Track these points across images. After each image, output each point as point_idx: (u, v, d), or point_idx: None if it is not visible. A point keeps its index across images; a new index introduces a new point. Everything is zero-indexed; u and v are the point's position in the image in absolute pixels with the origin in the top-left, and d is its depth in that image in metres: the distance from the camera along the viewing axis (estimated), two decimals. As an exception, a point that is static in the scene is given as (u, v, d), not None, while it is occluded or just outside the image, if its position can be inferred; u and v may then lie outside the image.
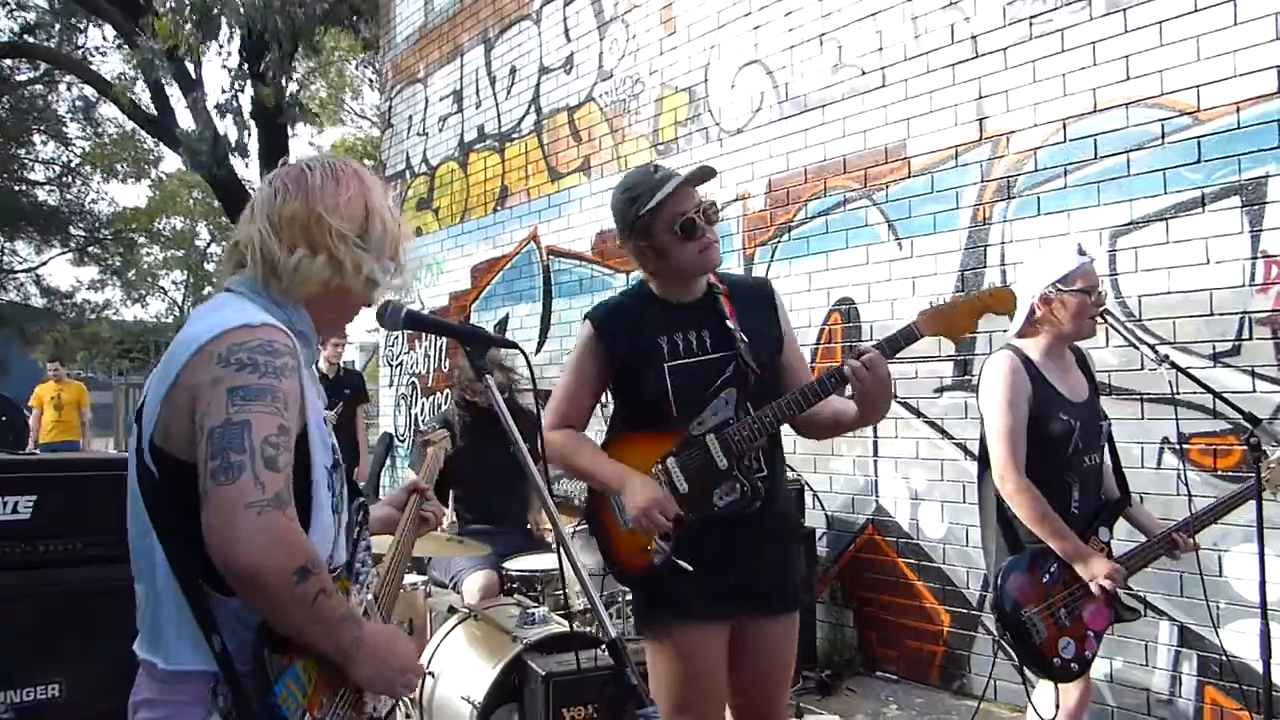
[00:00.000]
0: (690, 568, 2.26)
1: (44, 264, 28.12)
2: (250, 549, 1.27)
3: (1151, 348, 2.99)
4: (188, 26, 11.98)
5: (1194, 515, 2.89)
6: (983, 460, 2.95)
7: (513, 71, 8.06)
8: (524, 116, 7.93)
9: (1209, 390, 2.95)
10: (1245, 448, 2.78)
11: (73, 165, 25.06)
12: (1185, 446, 3.90)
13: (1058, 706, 2.82)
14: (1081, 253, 2.88)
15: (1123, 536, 2.97)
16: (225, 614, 1.38)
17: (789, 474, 3.23)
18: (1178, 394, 3.79)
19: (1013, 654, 2.80)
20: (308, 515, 1.44)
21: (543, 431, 2.33)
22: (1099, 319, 2.87)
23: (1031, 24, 4.43)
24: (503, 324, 8.02)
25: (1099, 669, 4.03)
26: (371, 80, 20.30)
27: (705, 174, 2.39)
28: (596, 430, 2.58)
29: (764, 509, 2.37)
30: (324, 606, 1.35)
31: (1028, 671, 2.85)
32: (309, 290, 1.54)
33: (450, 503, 4.19)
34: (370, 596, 1.72)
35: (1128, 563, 2.84)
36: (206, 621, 1.37)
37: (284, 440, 1.35)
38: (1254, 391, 3.69)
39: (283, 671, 1.37)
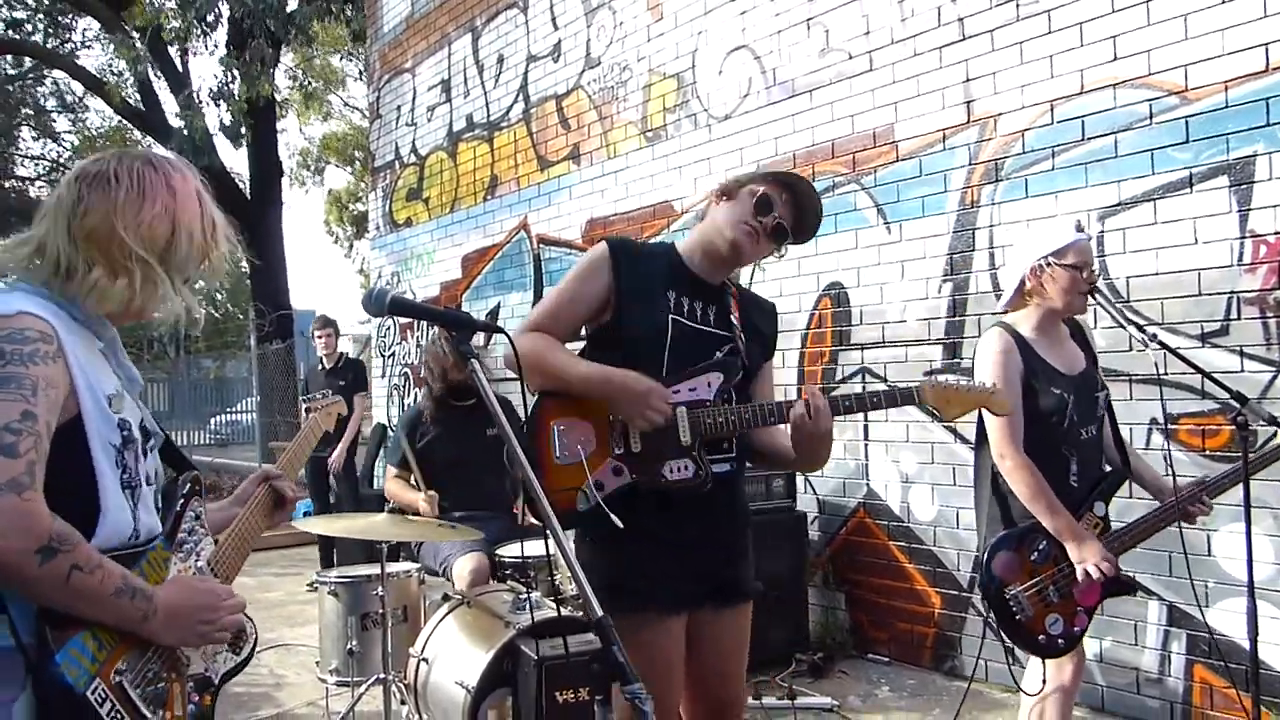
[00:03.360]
0: (621, 524, 2.15)
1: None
2: None
3: (1139, 328, 2.99)
4: (174, 22, 11.93)
5: (1213, 479, 2.88)
6: (979, 436, 2.95)
7: (500, 60, 8.04)
8: (512, 105, 7.90)
9: (1197, 370, 2.96)
10: (1233, 427, 2.78)
11: (61, 160, 24.95)
12: (1173, 427, 3.91)
13: (1044, 681, 2.83)
14: (1079, 229, 2.88)
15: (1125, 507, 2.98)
16: (10, 592, 1.41)
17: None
18: (1165, 374, 3.81)
19: (999, 632, 2.80)
20: (94, 494, 1.48)
21: (516, 333, 2.22)
22: (1089, 296, 2.88)
23: (1018, 5, 4.43)
24: (494, 313, 8.01)
25: (1089, 649, 4.06)
26: (359, 72, 20.23)
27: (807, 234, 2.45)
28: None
29: (729, 497, 2.37)
30: (83, 582, 1.39)
31: (1017, 650, 2.86)
32: (107, 309, 1.57)
33: (421, 484, 4.17)
34: (202, 564, 1.75)
35: (1125, 538, 2.84)
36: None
37: (28, 425, 1.37)
38: (1242, 371, 3.70)
39: (66, 640, 1.41)
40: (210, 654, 1.72)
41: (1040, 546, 2.78)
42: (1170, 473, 2.91)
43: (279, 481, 2.02)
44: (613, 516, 2.18)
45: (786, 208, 2.36)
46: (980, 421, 2.92)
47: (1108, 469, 2.98)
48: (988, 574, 2.77)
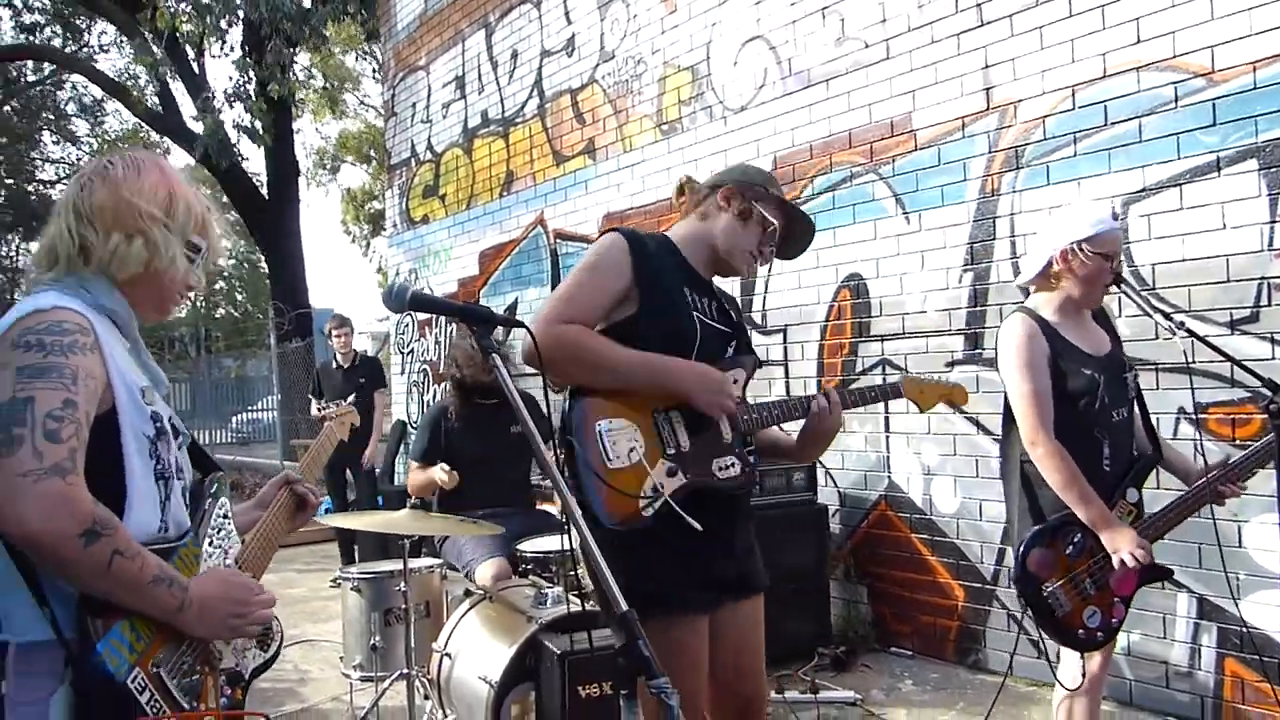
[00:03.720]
0: (699, 526, 2.08)
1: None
2: (27, 516, 1.34)
3: (1167, 315, 2.94)
4: (188, 25, 11.98)
5: (1235, 461, 2.82)
6: (1007, 425, 2.90)
7: (514, 55, 8.02)
8: (527, 100, 7.89)
9: (1227, 357, 2.90)
10: (1264, 415, 2.72)
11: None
12: (1202, 416, 3.85)
13: (1084, 675, 2.79)
14: (1115, 217, 2.82)
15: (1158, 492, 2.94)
16: (52, 585, 1.45)
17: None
18: (1194, 362, 3.74)
19: (1034, 628, 2.77)
20: (123, 483, 1.53)
21: (540, 325, 2.11)
22: (1114, 287, 2.83)
23: (1038, -10, 4.37)
24: (512, 308, 8.00)
25: (1118, 642, 4.01)
26: (373, 71, 20.28)
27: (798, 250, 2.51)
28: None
29: (747, 497, 2.38)
30: (123, 568, 1.42)
31: (1046, 642, 2.82)
32: (129, 273, 1.64)
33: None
34: (229, 562, 1.77)
35: (1159, 524, 2.79)
36: (39, 594, 1.45)
37: (69, 413, 1.42)
38: (1273, 359, 3.64)
39: (106, 630, 1.45)
40: (240, 649, 1.74)
41: (1074, 540, 2.72)
42: (1203, 462, 2.86)
43: (300, 485, 2.05)
44: (688, 519, 2.09)
45: (785, 242, 2.43)
46: (1006, 409, 2.88)
47: (1136, 453, 2.93)
48: (1023, 572, 2.71)
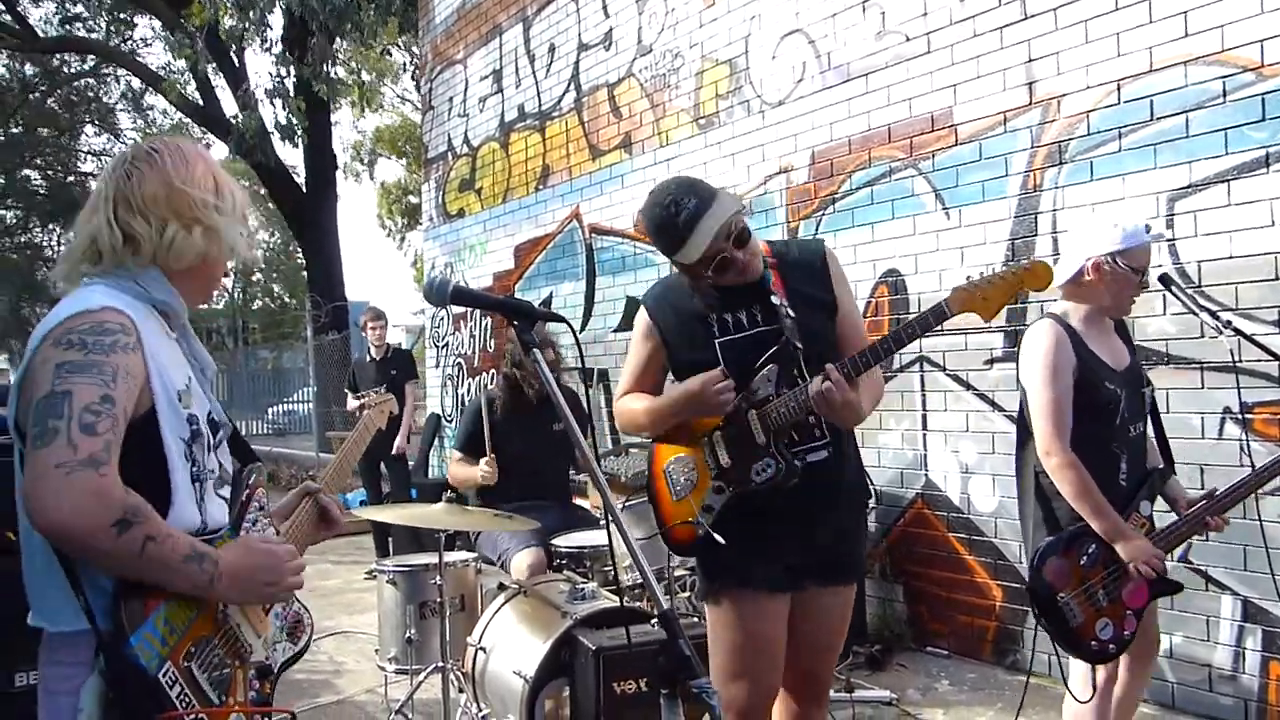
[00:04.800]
0: (723, 540, 2.32)
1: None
2: (60, 507, 1.36)
3: (1213, 314, 2.89)
4: (230, 21, 12.09)
5: (1223, 491, 2.79)
6: (1021, 432, 2.87)
7: (551, 49, 8.03)
8: (564, 94, 7.89)
9: (1275, 357, 2.85)
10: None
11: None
12: (1248, 416, 3.78)
13: (1095, 688, 2.77)
14: (1147, 230, 2.78)
15: (1163, 508, 2.90)
16: (88, 575, 1.47)
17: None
18: (1240, 362, 3.68)
19: (1053, 640, 2.74)
20: (166, 485, 1.55)
21: (614, 402, 2.58)
22: (1163, 288, 2.78)
23: (1083, -17, 4.30)
24: (547, 303, 8.01)
25: (1160, 644, 3.95)
26: (408, 64, 20.38)
27: (735, 220, 2.33)
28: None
29: (827, 482, 2.39)
30: (156, 552, 1.43)
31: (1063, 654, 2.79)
32: (186, 263, 1.65)
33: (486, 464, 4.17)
34: None
35: (1167, 539, 2.77)
36: (75, 583, 1.46)
37: (106, 408, 1.44)
38: (1321, 358, 3.56)
39: (139, 623, 1.46)
40: (269, 642, 1.76)
41: (1089, 551, 2.70)
42: (1250, 465, 2.81)
43: (323, 496, 2.03)
44: (716, 537, 2.35)
45: (715, 240, 2.28)
46: (1022, 417, 2.85)
47: (1149, 468, 2.90)
48: (1039, 581, 2.70)
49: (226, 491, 1.73)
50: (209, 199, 1.66)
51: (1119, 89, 4.18)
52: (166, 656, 1.48)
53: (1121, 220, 2.80)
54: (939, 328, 2.30)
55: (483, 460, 4.06)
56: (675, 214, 2.27)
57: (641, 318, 2.57)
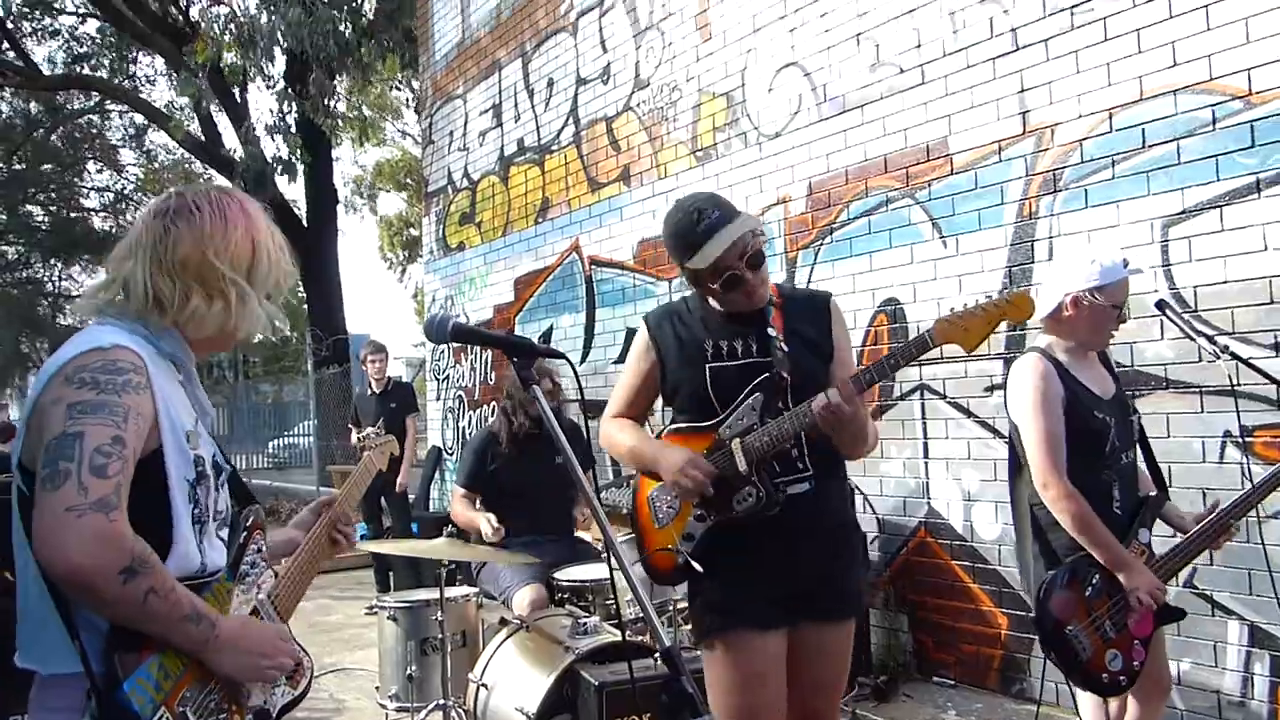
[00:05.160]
0: (700, 568, 2.37)
1: (100, 290, 28.72)
2: (69, 551, 1.35)
3: (1210, 339, 2.91)
4: (229, 55, 12.22)
5: (1231, 504, 2.79)
6: (1013, 467, 2.88)
7: (550, 84, 8.11)
8: (563, 128, 7.96)
9: (1272, 380, 2.87)
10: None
11: (125, 192, 25.66)
12: (1248, 439, 3.79)
13: (1108, 718, 2.76)
14: (1125, 264, 2.81)
15: (1168, 533, 2.90)
16: (84, 617, 1.45)
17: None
18: (1238, 385, 3.69)
19: (1066, 676, 2.73)
20: (168, 526, 1.54)
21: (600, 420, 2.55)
22: (1160, 313, 2.80)
23: (1073, 14, 4.35)
24: (547, 335, 8.04)
25: (1170, 680, 3.93)
26: (409, 100, 20.57)
27: (753, 241, 2.38)
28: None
29: (810, 516, 2.40)
30: (157, 606, 1.43)
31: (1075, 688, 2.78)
32: (207, 332, 1.64)
33: (488, 509, 4.19)
34: (263, 596, 1.78)
35: (1171, 563, 2.77)
36: (70, 626, 1.45)
37: (117, 450, 1.43)
38: (1319, 381, 3.57)
39: (134, 669, 1.45)
40: (268, 688, 1.74)
41: (1093, 581, 2.70)
42: (1251, 487, 2.82)
43: (335, 514, 2.06)
44: (694, 564, 2.38)
45: (728, 253, 2.33)
46: (1012, 449, 2.85)
47: (1142, 495, 2.91)
48: (1045, 614, 2.69)
49: (225, 534, 1.72)
50: (237, 275, 1.64)
51: (1110, 118, 4.23)
52: (161, 702, 1.46)
53: (1099, 256, 2.82)
54: (941, 356, 2.31)
55: (483, 521, 4.05)
56: (696, 221, 2.37)
57: (641, 335, 2.60)
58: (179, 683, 1.50)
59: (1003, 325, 4.60)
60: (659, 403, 2.68)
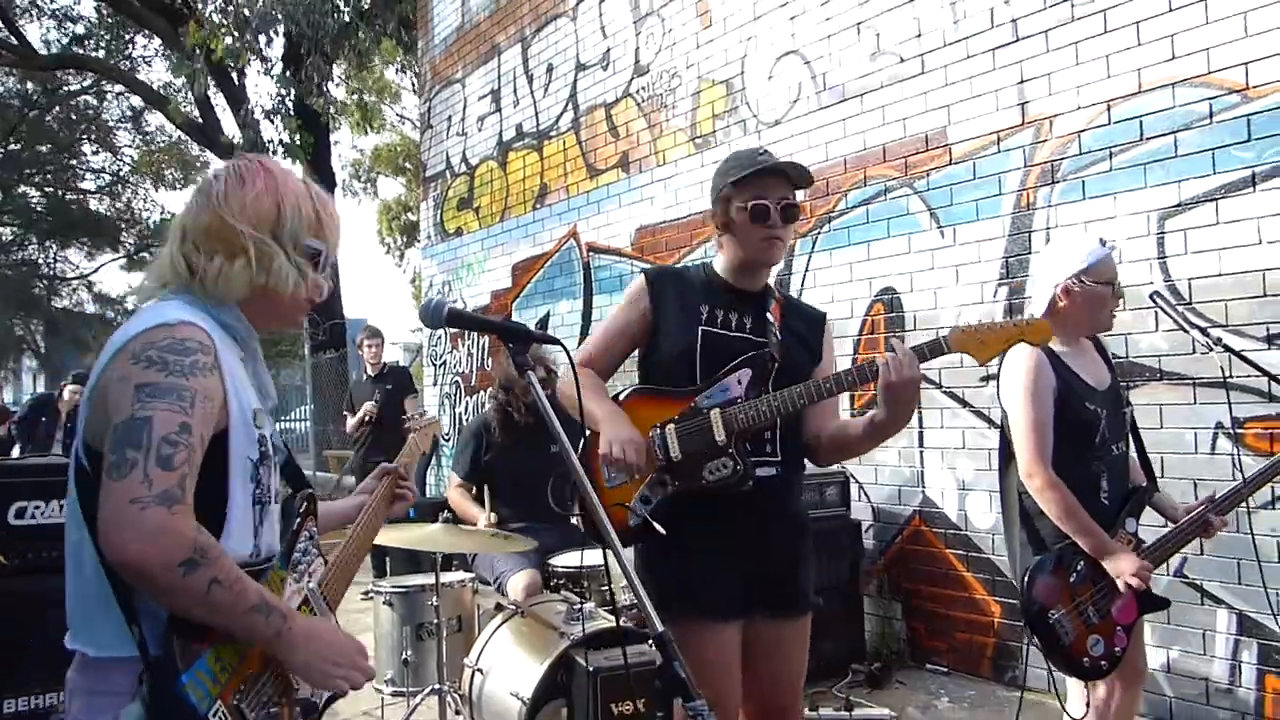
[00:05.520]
0: (664, 531, 2.27)
1: (95, 271, 28.82)
2: (131, 543, 1.34)
3: (1203, 331, 2.93)
4: (227, 40, 12.15)
5: (1224, 494, 2.83)
6: (1004, 455, 2.90)
7: (549, 69, 8.09)
8: (561, 114, 7.95)
9: (1264, 373, 2.88)
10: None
11: (122, 174, 25.58)
12: (1240, 431, 3.81)
13: (1088, 705, 2.79)
14: (1103, 243, 2.82)
15: (1155, 523, 2.92)
16: (144, 604, 1.43)
17: (834, 466, 3.18)
18: (1231, 377, 3.70)
19: (1046, 659, 2.76)
20: (224, 505, 1.52)
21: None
22: (1154, 304, 2.82)
23: (1073, 6, 4.36)
24: (544, 321, 8.05)
25: (1156, 659, 3.97)
26: (410, 84, 20.49)
27: (802, 177, 2.46)
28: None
29: (777, 504, 2.40)
30: (220, 596, 1.40)
31: (1057, 672, 2.81)
32: (238, 293, 1.61)
33: (487, 501, 4.22)
34: (313, 585, 1.76)
35: (1157, 552, 2.80)
36: (129, 611, 1.43)
37: (184, 438, 1.41)
38: (1312, 374, 3.59)
39: (193, 660, 1.43)
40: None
41: (1078, 568, 2.73)
42: (1242, 479, 2.84)
43: (402, 484, 2.22)
44: (657, 526, 2.28)
45: (769, 190, 2.39)
46: (1003, 439, 2.87)
47: (1132, 486, 2.93)
48: (1030, 600, 2.72)
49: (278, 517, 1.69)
50: (256, 230, 1.61)
51: (1109, 110, 4.23)
52: (217, 695, 1.45)
53: (1075, 242, 2.85)
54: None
55: (482, 518, 4.08)
56: (759, 151, 2.47)
57: (638, 282, 2.52)
58: (235, 675, 1.49)
59: (1000, 312, 4.64)
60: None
